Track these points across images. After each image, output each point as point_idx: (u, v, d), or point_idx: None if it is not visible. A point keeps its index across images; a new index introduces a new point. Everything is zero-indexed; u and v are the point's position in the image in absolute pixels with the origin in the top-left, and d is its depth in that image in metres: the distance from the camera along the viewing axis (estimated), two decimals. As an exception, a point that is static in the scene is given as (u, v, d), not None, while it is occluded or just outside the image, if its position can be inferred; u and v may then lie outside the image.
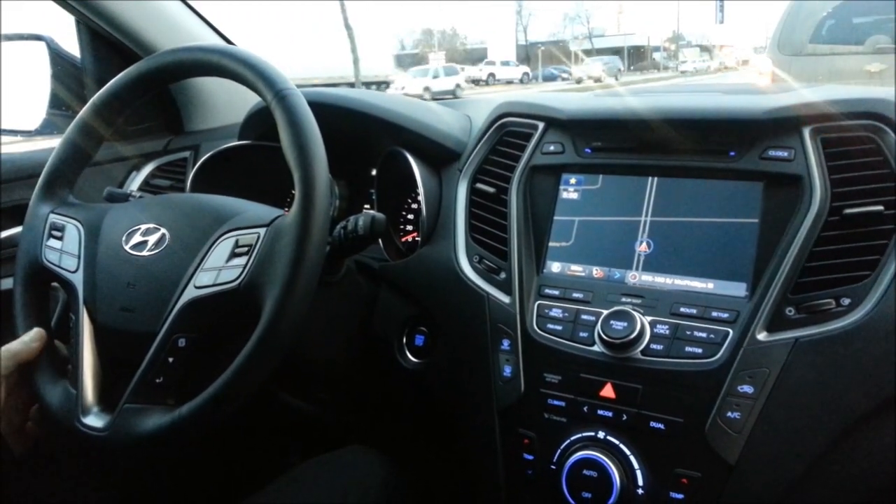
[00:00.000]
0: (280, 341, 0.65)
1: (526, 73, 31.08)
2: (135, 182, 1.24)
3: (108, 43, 1.20)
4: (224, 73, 0.76)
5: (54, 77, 1.28)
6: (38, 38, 1.27)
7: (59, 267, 0.78)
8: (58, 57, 1.28)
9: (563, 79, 29.13)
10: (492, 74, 29.12)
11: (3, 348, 0.74)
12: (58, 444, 0.81)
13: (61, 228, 0.80)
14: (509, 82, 28.77)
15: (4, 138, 1.27)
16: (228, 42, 1.35)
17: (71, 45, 1.29)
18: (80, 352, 0.74)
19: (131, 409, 0.69)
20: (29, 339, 0.75)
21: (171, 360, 0.69)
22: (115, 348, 0.74)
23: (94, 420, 0.71)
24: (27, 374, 0.75)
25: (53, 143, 1.21)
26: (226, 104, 1.36)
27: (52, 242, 0.80)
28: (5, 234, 1.11)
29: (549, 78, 30.21)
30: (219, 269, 0.70)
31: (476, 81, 28.22)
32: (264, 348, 0.65)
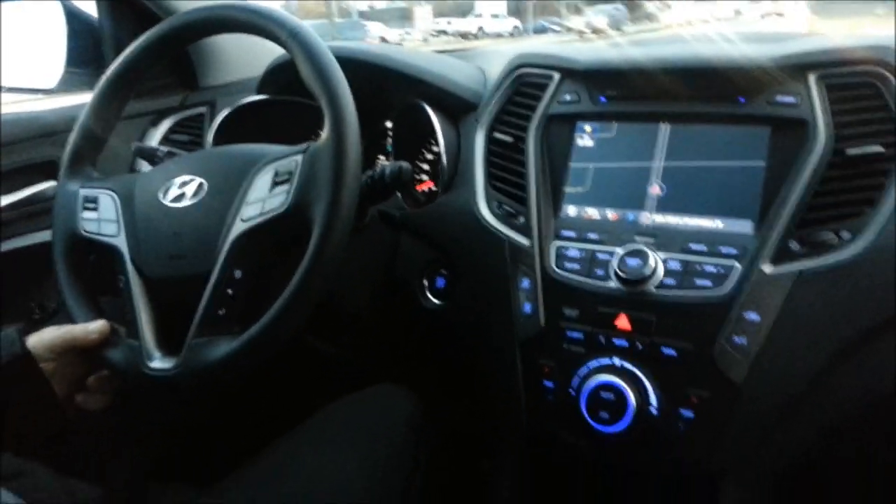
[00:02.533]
0: (333, 252, 0.69)
1: (516, 27, 30.24)
2: (153, 138, 1.27)
3: (124, 2, 1.22)
4: (235, 26, 0.79)
5: (70, 35, 1.30)
6: (53, -5, 1.28)
7: (99, 234, 0.81)
8: (72, 15, 1.30)
9: (555, 31, 28.10)
10: (481, 28, 28.30)
11: (65, 329, 0.77)
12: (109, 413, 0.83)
13: (94, 200, 0.83)
14: (499, 35, 28.04)
15: (25, 96, 1.29)
16: None
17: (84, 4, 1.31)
18: (137, 307, 0.76)
19: (199, 343, 0.71)
20: (93, 328, 0.77)
21: (230, 291, 0.72)
22: (171, 296, 0.77)
23: (162, 363, 0.73)
24: (83, 355, 0.77)
25: (73, 100, 1.25)
26: (238, 59, 1.38)
27: (87, 214, 0.83)
28: (31, 190, 1.14)
29: (540, 31, 29.20)
30: (263, 199, 0.73)
31: (465, 35, 27.55)
32: (320, 261, 0.68)
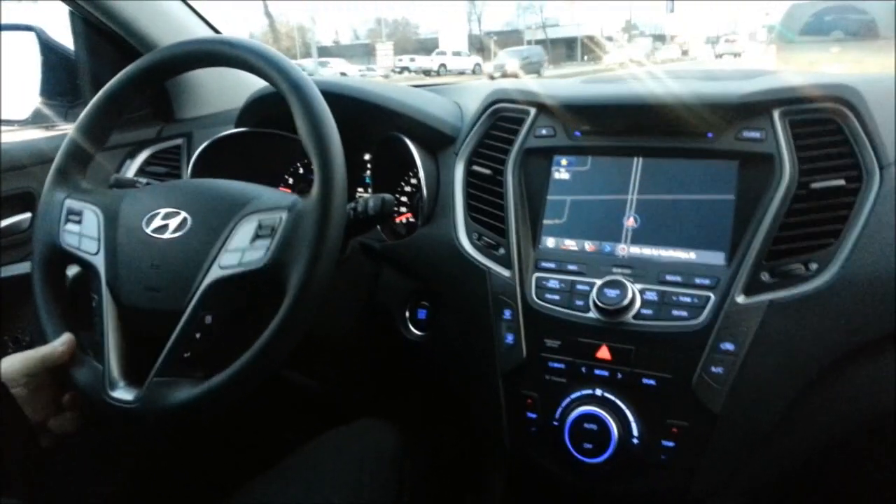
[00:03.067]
0: (304, 317, 0.70)
1: (478, 64, 30.59)
2: (130, 169, 1.27)
3: (102, 34, 1.22)
4: (234, 63, 0.79)
5: (45, 67, 1.29)
6: (27, 28, 1.28)
7: (78, 250, 0.81)
8: (48, 47, 1.29)
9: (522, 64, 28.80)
10: (443, 65, 28.40)
11: (33, 350, 0.77)
12: (82, 437, 0.83)
13: (79, 213, 0.83)
14: (461, 73, 28.26)
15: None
16: (218, 33, 1.38)
17: (58, 35, 1.31)
18: (106, 330, 0.77)
19: (160, 382, 0.72)
20: (59, 343, 0.78)
21: (198, 335, 0.73)
22: (141, 326, 0.78)
23: (123, 393, 0.74)
24: (54, 374, 0.77)
25: (46, 133, 1.24)
26: (215, 92, 1.39)
27: (70, 227, 0.82)
28: (5, 222, 1.13)
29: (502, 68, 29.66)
30: (243, 250, 0.74)
31: (427, 72, 27.75)
32: (290, 323, 0.69)
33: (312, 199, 0.72)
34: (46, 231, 0.83)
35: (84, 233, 0.82)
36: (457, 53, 30.79)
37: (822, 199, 0.78)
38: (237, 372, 0.70)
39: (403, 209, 1.15)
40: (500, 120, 0.99)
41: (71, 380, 0.78)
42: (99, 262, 0.79)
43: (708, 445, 0.77)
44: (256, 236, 0.74)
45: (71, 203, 0.84)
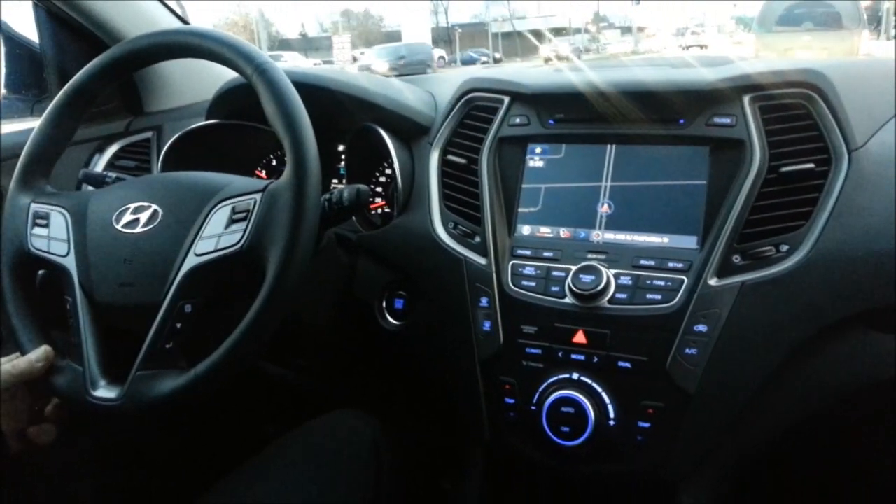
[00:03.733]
0: (286, 295, 0.69)
1: (442, 57, 29.38)
2: (99, 164, 1.25)
3: (67, 26, 1.20)
4: (200, 53, 0.78)
5: (8, 61, 1.27)
6: (-11, 20, 1.25)
7: (48, 253, 0.79)
8: (11, 41, 1.27)
9: (483, 62, 27.96)
10: (402, 57, 26.46)
11: (11, 365, 0.75)
12: (60, 448, 0.81)
13: (45, 216, 0.81)
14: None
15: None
16: (186, 24, 1.36)
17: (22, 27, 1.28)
18: (82, 331, 0.75)
19: (144, 376, 0.71)
20: (36, 357, 0.76)
21: (178, 325, 0.72)
22: (118, 323, 0.76)
23: (105, 392, 0.72)
24: (30, 386, 0.76)
25: (12, 126, 1.22)
26: (184, 84, 1.37)
27: (38, 230, 0.81)
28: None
29: (468, 62, 28.84)
30: (219, 235, 0.73)
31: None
32: (273, 303, 0.68)
33: (286, 179, 0.71)
34: (13, 236, 0.81)
35: (52, 235, 0.80)
36: None
37: (791, 182, 0.80)
38: (222, 357, 0.69)
39: (379, 199, 1.15)
40: (474, 109, 0.99)
41: (50, 386, 0.76)
42: (70, 263, 0.78)
43: (683, 425, 0.78)
44: (231, 221, 0.73)
45: (37, 207, 0.82)
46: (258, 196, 0.73)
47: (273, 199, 0.72)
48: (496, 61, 29.27)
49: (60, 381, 0.75)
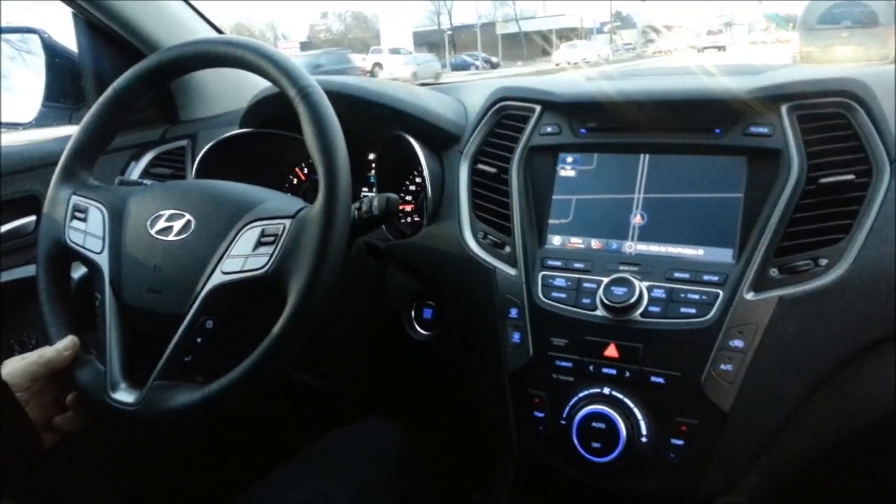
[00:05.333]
0: (305, 325, 0.70)
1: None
2: (135, 171, 1.27)
3: (105, 36, 1.22)
4: (245, 65, 0.79)
5: (49, 70, 1.30)
6: (31, 31, 1.28)
7: (83, 248, 0.81)
8: (52, 50, 1.30)
9: (477, 67, 26.01)
10: (378, 64, 24.42)
11: (38, 354, 0.77)
12: (85, 439, 0.83)
13: (84, 210, 0.83)
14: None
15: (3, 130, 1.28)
16: (220, 34, 1.38)
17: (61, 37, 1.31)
18: (107, 330, 0.77)
19: (161, 386, 0.73)
20: (62, 346, 0.78)
21: (199, 340, 0.73)
22: (142, 327, 0.78)
23: (124, 395, 0.74)
24: (56, 374, 0.78)
25: (50, 134, 1.25)
26: (219, 94, 1.38)
27: (76, 224, 0.83)
28: (10, 225, 1.13)
29: (461, 66, 26.89)
30: (246, 256, 0.74)
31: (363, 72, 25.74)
32: (290, 331, 0.69)
33: (316, 208, 0.72)
34: (52, 227, 0.83)
35: (89, 231, 0.82)
36: (395, 51, 27.33)
37: (831, 194, 0.78)
38: (236, 379, 0.70)
39: (408, 208, 1.15)
40: (505, 118, 0.98)
41: (73, 380, 0.78)
42: (103, 261, 0.80)
43: (717, 443, 0.76)
44: (259, 243, 0.74)
45: (77, 200, 0.84)
46: (288, 222, 0.73)
47: (302, 227, 0.72)
48: (493, 66, 27.50)
49: (83, 377, 0.77)
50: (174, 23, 1.26)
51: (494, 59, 29.91)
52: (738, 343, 0.75)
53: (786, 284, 0.76)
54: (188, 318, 0.73)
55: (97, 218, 0.82)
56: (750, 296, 0.76)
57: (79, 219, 0.83)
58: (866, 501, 0.89)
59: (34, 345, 1.15)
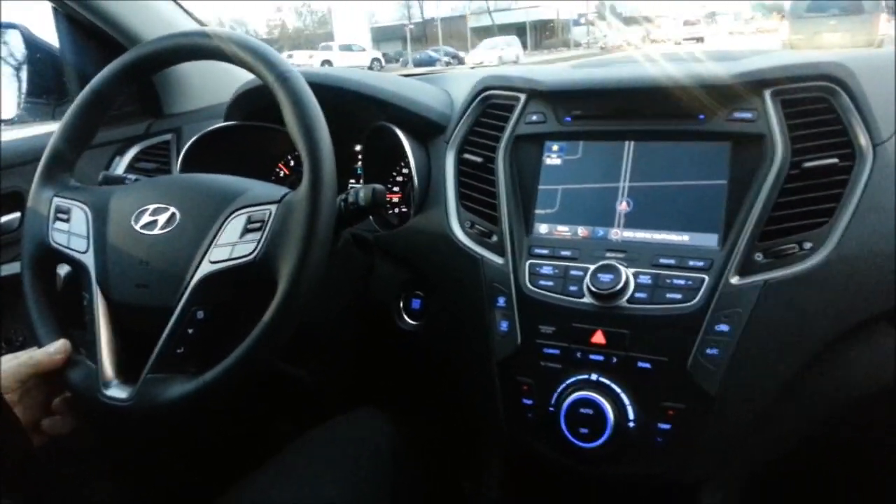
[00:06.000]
0: (296, 309, 0.70)
1: (377, 60, 25.73)
2: (119, 166, 1.26)
3: (87, 30, 1.21)
4: (223, 56, 0.78)
5: (30, 65, 1.28)
6: (11, 26, 1.27)
7: (68, 248, 0.81)
8: (33, 45, 1.28)
9: (447, 63, 23.56)
10: (327, 61, 23.34)
11: (28, 356, 0.76)
12: (75, 439, 0.83)
13: (67, 211, 0.83)
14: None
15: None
16: (203, 26, 1.37)
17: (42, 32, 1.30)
18: (97, 328, 0.77)
19: (154, 379, 0.72)
20: (54, 350, 0.77)
21: (190, 331, 0.73)
22: (132, 323, 0.78)
23: (117, 391, 0.74)
24: (46, 378, 0.77)
25: (33, 131, 1.23)
26: (202, 87, 1.38)
27: (59, 225, 0.82)
28: (-2, 221, 1.12)
29: (425, 62, 24.81)
30: (233, 244, 0.73)
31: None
32: (282, 316, 0.69)
33: (302, 192, 0.72)
34: (35, 230, 0.83)
35: (73, 231, 0.81)
36: (346, 48, 26.86)
37: (815, 178, 0.78)
38: (230, 366, 0.70)
39: (395, 199, 1.14)
40: (491, 107, 0.98)
41: (64, 380, 0.77)
42: (88, 260, 0.79)
43: (704, 427, 0.77)
44: (246, 230, 0.74)
45: (59, 201, 0.83)
46: (273, 207, 0.73)
47: (288, 210, 0.72)
48: (459, 61, 25.74)
49: (74, 377, 0.77)
50: (155, 16, 1.25)
51: (461, 54, 28.48)
52: (723, 327, 0.76)
53: (771, 268, 0.76)
54: (178, 309, 0.73)
55: (80, 218, 0.82)
56: (735, 280, 0.77)
57: (62, 220, 0.82)
58: (852, 482, 0.90)
59: (21, 342, 1.14)
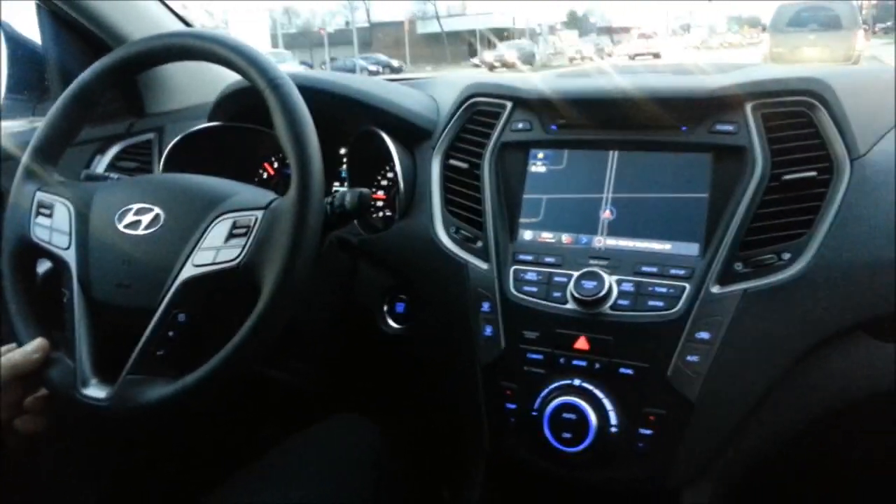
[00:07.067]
0: (278, 319, 0.70)
1: (303, 63, 23.77)
2: (100, 165, 1.24)
3: (70, 28, 1.20)
4: (213, 58, 0.78)
5: (10, 62, 1.26)
6: (-9, 21, 1.25)
7: (49, 244, 0.80)
8: (13, 41, 1.26)
9: (371, 71, 21.43)
10: None
11: (4, 358, 0.75)
12: (51, 440, 0.82)
13: (49, 206, 0.82)
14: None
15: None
16: (189, 27, 1.36)
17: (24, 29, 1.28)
18: (76, 326, 0.76)
19: (133, 380, 0.72)
20: (31, 349, 0.76)
21: (171, 333, 0.73)
22: (112, 322, 0.77)
23: (95, 391, 0.73)
24: (23, 377, 0.76)
25: (14, 126, 1.22)
26: (186, 86, 1.37)
27: (41, 220, 0.81)
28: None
29: (349, 70, 21.88)
30: (217, 248, 0.73)
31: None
32: (264, 324, 0.69)
33: (289, 200, 0.71)
34: (16, 224, 0.82)
35: (55, 227, 0.81)
36: None
37: (794, 190, 0.80)
38: (210, 372, 0.70)
39: (380, 203, 1.15)
40: (477, 114, 0.99)
41: (42, 378, 0.77)
42: (70, 257, 0.78)
43: (685, 433, 0.78)
44: (231, 235, 0.73)
45: (42, 196, 0.82)
46: (259, 214, 0.73)
47: (274, 218, 0.72)
48: (394, 70, 23.52)
49: (52, 375, 0.76)
50: (141, 16, 1.24)
51: (395, 63, 26.37)
52: (704, 335, 0.77)
53: (750, 278, 0.78)
54: (159, 311, 0.72)
55: (63, 214, 0.81)
56: (716, 289, 0.78)
57: (44, 215, 0.81)
58: (830, 488, 0.92)
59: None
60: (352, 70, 22.41)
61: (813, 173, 0.79)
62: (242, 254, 0.71)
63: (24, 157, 0.84)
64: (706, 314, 0.77)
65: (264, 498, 0.82)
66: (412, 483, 0.95)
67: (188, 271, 0.73)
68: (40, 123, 0.85)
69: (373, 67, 22.86)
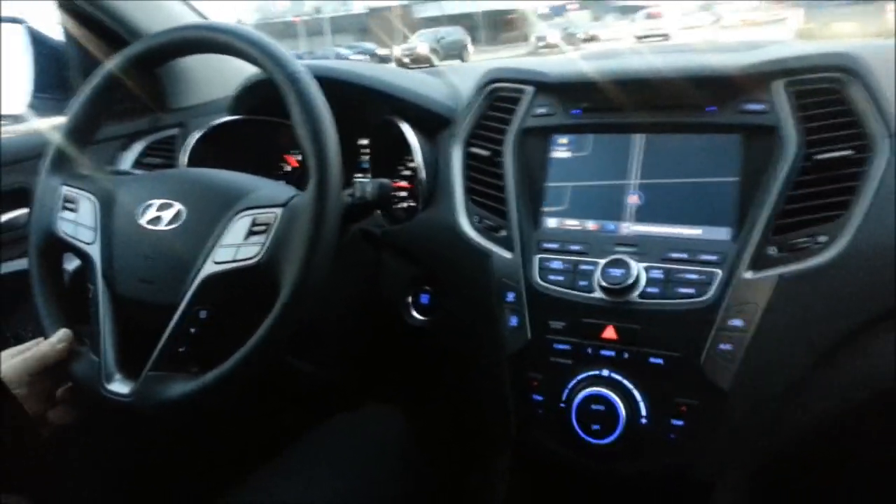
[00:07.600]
0: (297, 316, 0.70)
1: None
2: (126, 162, 1.25)
3: (91, 24, 1.20)
4: (233, 51, 0.78)
5: (35, 60, 1.28)
6: (15, 20, 1.26)
7: (74, 238, 0.81)
8: (38, 40, 1.28)
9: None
10: None
11: (32, 350, 0.77)
12: (77, 435, 0.83)
13: (74, 200, 0.82)
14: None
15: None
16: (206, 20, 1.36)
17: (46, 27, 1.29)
18: (101, 321, 0.77)
19: (155, 377, 0.72)
20: (56, 339, 0.78)
21: (192, 330, 0.73)
22: (135, 318, 0.78)
23: (119, 386, 0.74)
24: (51, 369, 0.77)
25: (39, 126, 1.23)
26: (207, 80, 1.37)
27: (66, 214, 0.82)
28: (3, 218, 1.12)
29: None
30: (237, 245, 0.73)
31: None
32: (283, 322, 0.69)
33: (307, 197, 0.71)
34: (42, 218, 0.83)
35: (80, 221, 0.81)
36: None
37: (828, 170, 0.77)
38: (231, 368, 0.70)
39: (403, 193, 1.14)
40: (497, 100, 0.97)
41: (68, 372, 0.78)
42: (94, 251, 0.79)
43: (717, 423, 0.76)
44: (251, 232, 0.73)
45: (67, 191, 0.83)
46: (279, 211, 0.73)
47: (293, 215, 0.72)
48: (382, 60, 20.86)
49: (77, 369, 0.77)
50: (159, 10, 1.24)
51: (382, 51, 23.10)
52: (737, 322, 0.75)
53: (785, 262, 0.75)
54: (181, 308, 0.73)
55: (88, 208, 0.81)
56: (749, 275, 0.76)
57: (69, 209, 0.82)
58: (865, 478, 0.89)
59: (30, 338, 1.14)
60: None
61: (849, 151, 0.76)
62: (262, 251, 0.71)
63: (50, 154, 0.85)
64: (739, 301, 0.75)
65: (292, 489, 0.82)
66: (438, 473, 0.95)
67: (209, 268, 0.73)
68: (63, 120, 0.86)
69: (356, 57, 20.33)
